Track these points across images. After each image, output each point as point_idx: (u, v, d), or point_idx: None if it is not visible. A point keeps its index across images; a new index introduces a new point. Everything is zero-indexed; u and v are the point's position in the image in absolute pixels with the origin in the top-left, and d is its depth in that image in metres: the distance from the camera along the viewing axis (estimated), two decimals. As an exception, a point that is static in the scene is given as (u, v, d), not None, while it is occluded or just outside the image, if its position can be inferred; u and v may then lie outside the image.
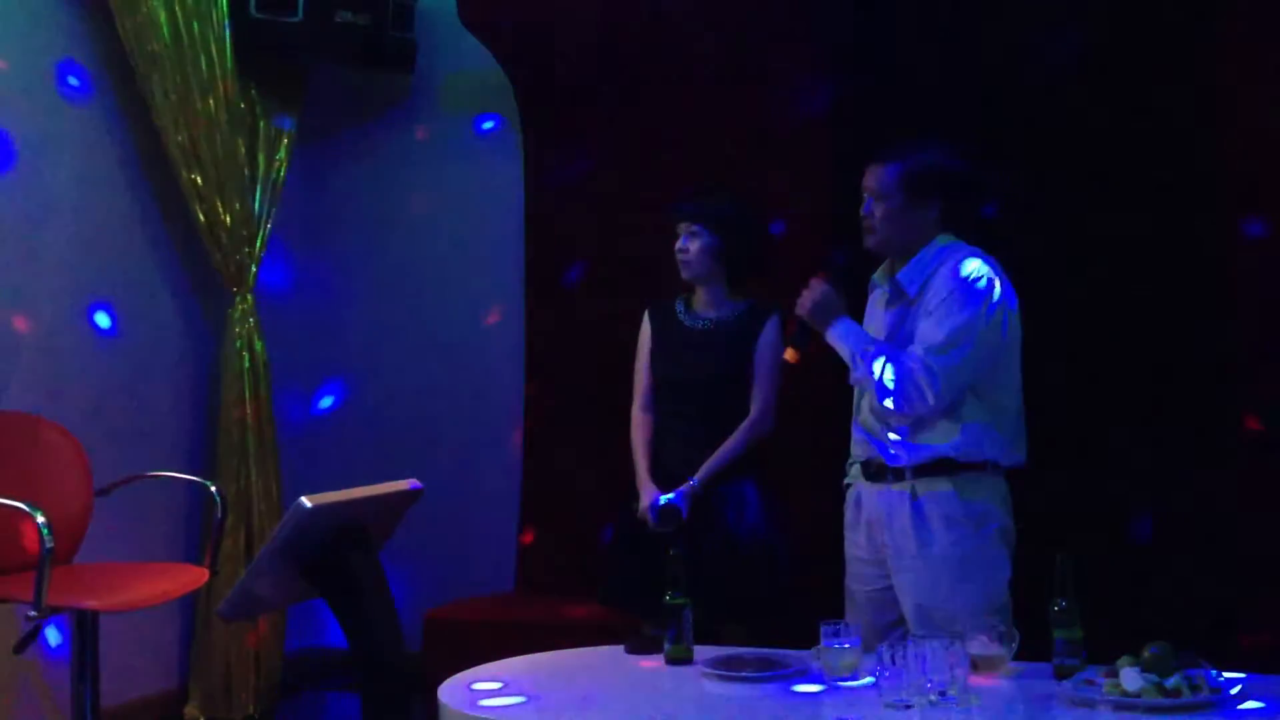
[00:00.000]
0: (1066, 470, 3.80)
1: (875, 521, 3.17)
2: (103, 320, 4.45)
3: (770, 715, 2.62)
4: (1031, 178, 3.99)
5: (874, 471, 3.16)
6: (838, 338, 3.16)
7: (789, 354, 3.25)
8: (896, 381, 3.03)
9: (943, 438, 3.06)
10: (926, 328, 3.06)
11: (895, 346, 3.09)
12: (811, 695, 2.73)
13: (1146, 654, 2.54)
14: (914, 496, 3.08)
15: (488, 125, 4.97)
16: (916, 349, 3.05)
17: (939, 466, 3.07)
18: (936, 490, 3.07)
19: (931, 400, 3.03)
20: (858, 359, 3.11)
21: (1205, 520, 3.82)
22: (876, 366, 3.07)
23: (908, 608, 3.10)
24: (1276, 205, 3.80)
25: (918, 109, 3.99)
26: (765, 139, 4.33)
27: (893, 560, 3.13)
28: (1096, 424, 3.95)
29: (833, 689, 2.75)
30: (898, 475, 3.11)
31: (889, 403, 3.06)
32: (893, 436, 3.11)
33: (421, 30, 4.95)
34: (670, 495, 3.54)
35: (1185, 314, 3.92)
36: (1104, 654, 2.64)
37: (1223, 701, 2.48)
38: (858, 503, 3.23)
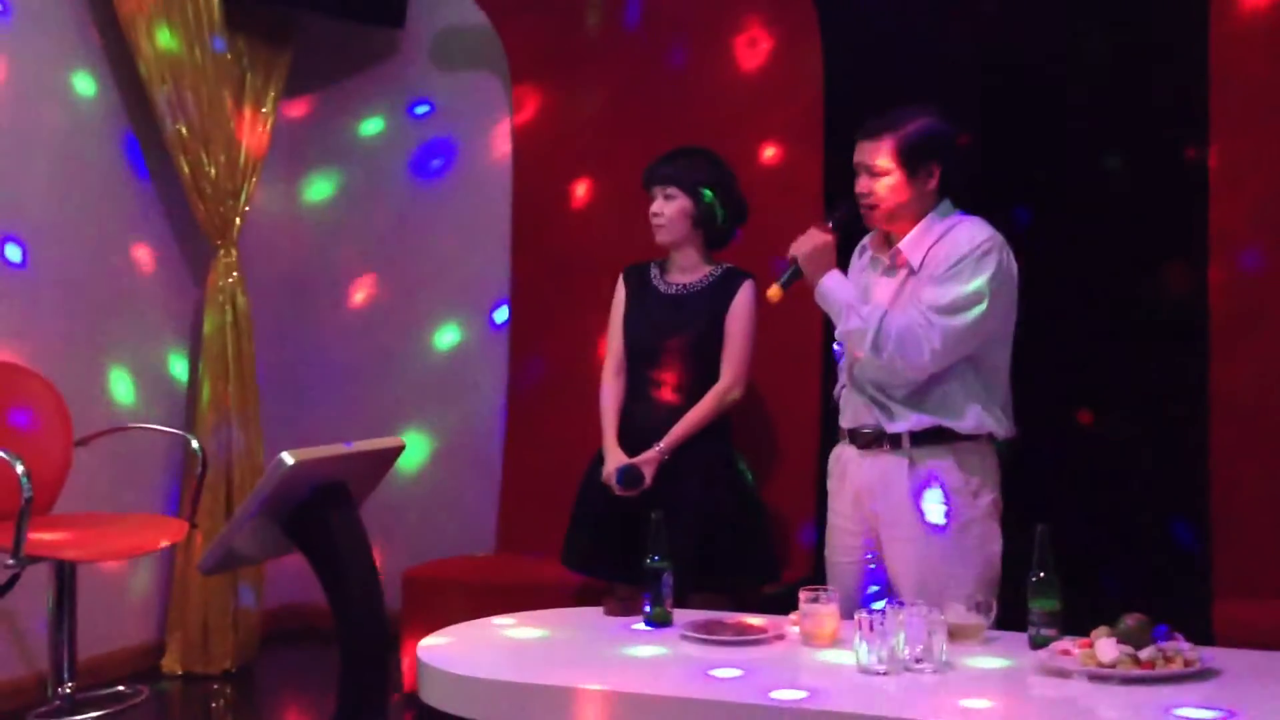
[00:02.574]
0: (1046, 443, 3.81)
1: (865, 490, 3.14)
2: (83, 270, 4.41)
3: (748, 679, 2.63)
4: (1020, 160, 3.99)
5: (867, 439, 3.13)
6: (830, 287, 3.09)
7: (772, 292, 3.15)
8: (896, 335, 2.98)
9: (943, 410, 3.04)
10: (932, 291, 3.01)
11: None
12: (790, 661, 2.75)
13: (1122, 625, 2.55)
14: (912, 465, 3.07)
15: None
16: (919, 306, 3.01)
17: (937, 435, 3.05)
18: (936, 459, 3.05)
19: (928, 357, 2.98)
20: (853, 310, 3.05)
21: (1180, 493, 3.84)
22: (874, 317, 3.01)
23: (903, 578, 3.06)
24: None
25: (912, 86, 3.96)
26: (758, 106, 4.31)
27: (885, 530, 3.11)
28: (1075, 397, 3.96)
29: (811, 655, 2.76)
30: (895, 443, 3.08)
31: (886, 356, 2.99)
32: (892, 404, 3.08)
33: (412, -15, 4.91)
34: (635, 460, 3.54)
35: (1161, 285, 3.92)
36: (1080, 625, 2.66)
37: (1196, 673, 2.49)
38: (844, 472, 3.21)
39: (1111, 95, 3.95)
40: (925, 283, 3.04)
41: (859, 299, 3.08)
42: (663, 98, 4.43)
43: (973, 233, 3.05)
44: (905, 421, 3.06)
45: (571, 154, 4.58)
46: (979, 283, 2.98)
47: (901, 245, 3.10)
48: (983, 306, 2.99)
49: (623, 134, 4.46)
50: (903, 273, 3.09)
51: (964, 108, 3.74)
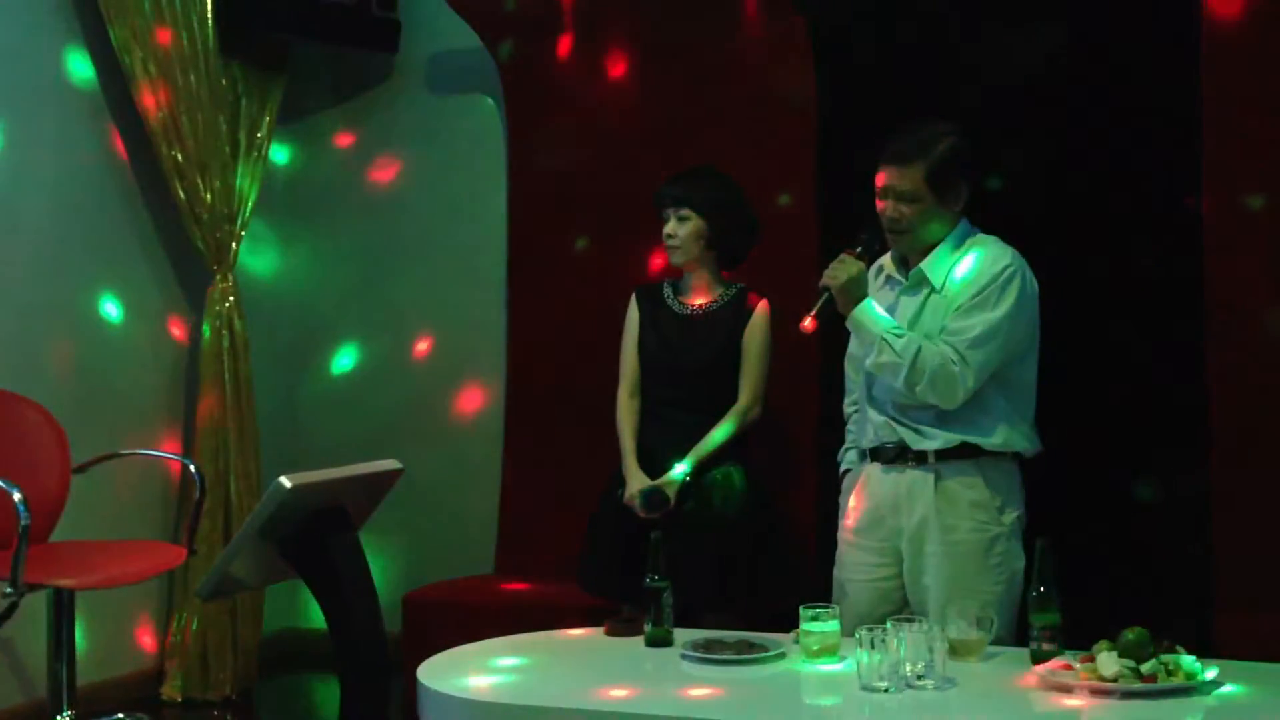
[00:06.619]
0: (1046, 457, 3.81)
1: (887, 506, 3.12)
2: (81, 297, 4.42)
3: (748, 698, 2.62)
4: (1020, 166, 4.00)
5: (890, 455, 3.12)
6: (863, 317, 3.08)
7: (808, 323, 3.11)
8: (930, 374, 2.99)
9: (972, 428, 3.04)
10: (959, 320, 3.02)
11: (923, 336, 3.04)
12: (789, 678, 2.74)
13: (1123, 639, 2.55)
14: (938, 480, 3.06)
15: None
16: (949, 340, 3.01)
17: (964, 451, 3.05)
18: (962, 475, 3.05)
19: (962, 395, 3.01)
20: (886, 343, 3.04)
21: (1182, 506, 3.84)
22: (908, 353, 3.01)
23: (930, 593, 3.04)
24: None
25: (904, 96, 3.98)
26: (752, 124, 4.32)
27: (909, 545, 3.09)
28: (1075, 412, 3.96)
29: (811, 672, 2.75)
30: (920, 459, 3.08)
31: (918, 391, 3.01)
32: (920, 424, 3.07)
33: (405, 9, 4.93)
34: (658, 481, 3.53)
35: (1167, 303, 3.93)
36: (1081, 639, 2.65)
37: (1198, 687, 2.49)
38: (862, 489, 3.19)
39: (1110, 106, 3.96)
40: (947, 306, 3.04)
41: (895, 330, 3.06)
42: (662, 119, 4.44)
43: (994, 255, 3.07)
44: (933, 440, 3.06)
45: (568, 176, 4.59)
46: (1003, 310, 3.01)
47: (923, 265, 3.10)
48: (1007, 337, 3.02)
49: (620, 157, 4.47)
50: (924, 290, 3.10)
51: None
